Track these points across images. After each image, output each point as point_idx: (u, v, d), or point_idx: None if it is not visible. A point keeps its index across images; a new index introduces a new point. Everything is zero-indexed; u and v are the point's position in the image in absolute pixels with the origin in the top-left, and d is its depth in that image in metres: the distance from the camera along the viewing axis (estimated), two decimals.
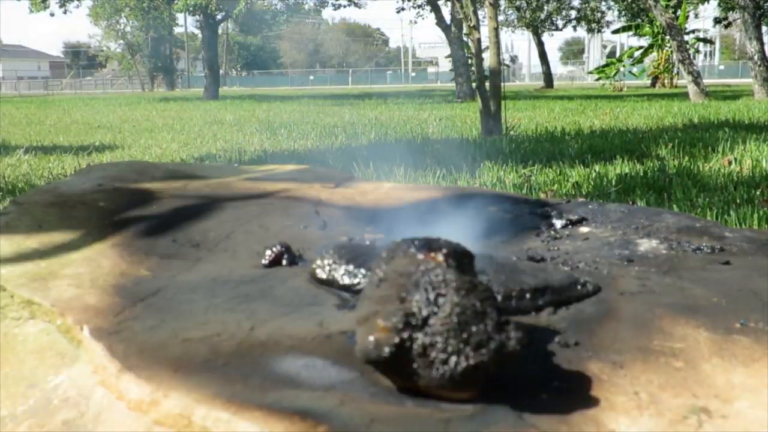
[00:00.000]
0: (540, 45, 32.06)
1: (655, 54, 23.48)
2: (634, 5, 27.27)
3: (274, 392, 0.79)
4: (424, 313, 0.79)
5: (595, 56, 52.61)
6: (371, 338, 0.78)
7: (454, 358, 0.76)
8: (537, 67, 40.77)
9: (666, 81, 23.65)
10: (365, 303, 0.84)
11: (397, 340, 0.77)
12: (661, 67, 23.41)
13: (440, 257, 0.84)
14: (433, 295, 0.80)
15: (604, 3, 32.09)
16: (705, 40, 25.27)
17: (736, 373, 0.84)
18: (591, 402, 0.79)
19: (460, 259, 0.85)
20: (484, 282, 0.85)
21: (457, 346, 0.77)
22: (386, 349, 0.77)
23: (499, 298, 1.02)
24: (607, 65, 23.91)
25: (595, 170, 4.22)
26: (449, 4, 17.40)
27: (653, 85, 24.43)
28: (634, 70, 24.18)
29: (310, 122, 9.23)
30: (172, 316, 1.02)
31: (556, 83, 33.22)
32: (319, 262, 1.19)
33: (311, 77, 56.69)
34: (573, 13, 33.79)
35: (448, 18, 17.79)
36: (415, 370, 0.77)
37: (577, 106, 12.38)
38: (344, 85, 48.02)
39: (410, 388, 0.79)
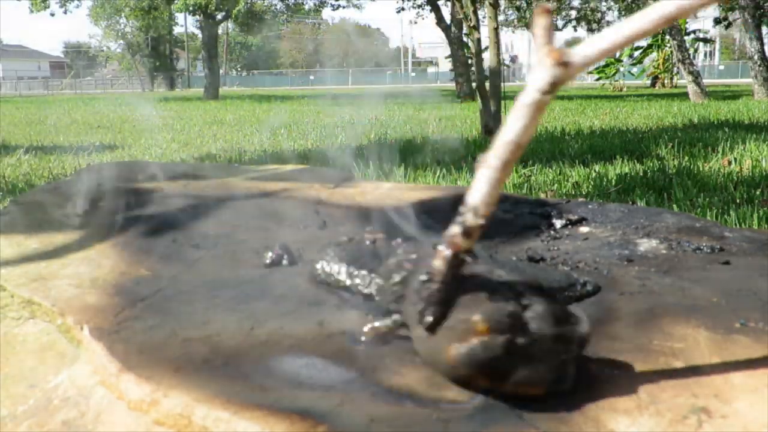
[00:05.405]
0: None
1: (654, 54, 23.46)
2: (633, 5, 27.27)
3: (274, 392, 0.80)
4: (520, 313, 0.80)
5: None
6: (476, 340, 0.78)
7: (547, 356, 0.78)
8: None
9: (666, 81, 23.64)
10: (433, 309, 0.82)
11: (502, 340, 0.77)
12: (660, 67, 23.39)
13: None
14: (515, 296, 0.81)
15: (604, 3, 32.10)
16: (704, 40, 25.26)
17: (736, 373, 0.84)
18: (591, 402, 0.79)
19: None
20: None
21: (549, 345, 0.79)
22: (495, 350, 0.77)
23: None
24: (606, 65, 23.89)
25: (595, 170, 4.22)
26: (449, 4, 17.40)
27: (653, 85, 24.41)
28: (634, 70, 24.16)
29: (310, 122, 9.23)
30: (172, 316, 1.02)
31: None
32: (319, 262, 1.19)
33: (311, 77, 56.69)
34: (573, 13, 33.81)
35: (448, 18, 17.77)
36: (509, 371, 0.78)
37: (577, 106, 12.38)
38: (344, 85, 47.99)
39: (492, 389, 0.79)
